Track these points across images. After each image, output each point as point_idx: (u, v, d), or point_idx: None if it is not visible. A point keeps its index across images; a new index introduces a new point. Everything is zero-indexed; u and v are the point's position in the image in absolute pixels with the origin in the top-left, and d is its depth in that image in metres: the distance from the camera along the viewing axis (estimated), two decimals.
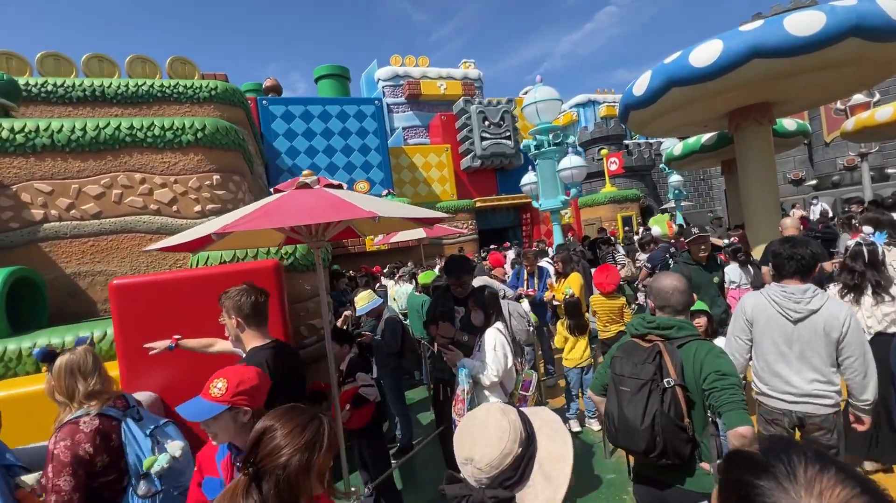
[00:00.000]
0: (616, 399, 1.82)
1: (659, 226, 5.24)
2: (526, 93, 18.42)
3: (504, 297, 4.03)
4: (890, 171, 18.45)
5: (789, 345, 2.24)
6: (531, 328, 3.86)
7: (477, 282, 3.60)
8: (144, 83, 6.15)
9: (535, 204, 7.70)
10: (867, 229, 3.71)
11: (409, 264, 8.90)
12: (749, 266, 5.23)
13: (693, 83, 6.26)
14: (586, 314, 4.57)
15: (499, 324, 2.67)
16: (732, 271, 5.12)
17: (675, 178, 14.51)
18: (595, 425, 4.25)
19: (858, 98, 16.86)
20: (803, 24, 5.40)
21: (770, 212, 7.23)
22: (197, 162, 4.30)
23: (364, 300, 4.05)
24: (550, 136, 7.22)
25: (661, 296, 1.96)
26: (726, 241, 6.16)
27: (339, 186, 2.30)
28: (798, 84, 6.43)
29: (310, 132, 11.74)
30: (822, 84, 6.59)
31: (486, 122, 14.89)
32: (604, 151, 16.36)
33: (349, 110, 12.22)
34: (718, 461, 1.43)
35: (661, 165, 15.68)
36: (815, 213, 13.08)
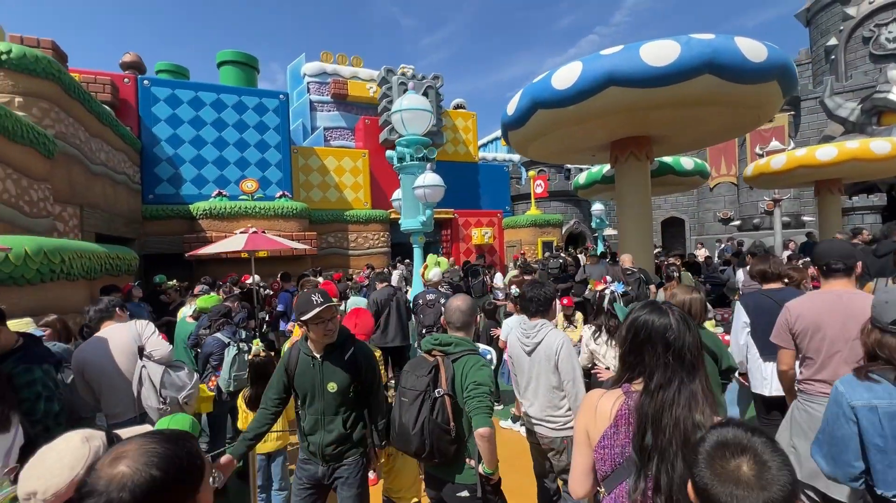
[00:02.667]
0: (398, 407, 2.02)
1: (440, 267, 4.52)
2: (457, 106, 17.94)
3: None
4: (806, 218, 19.16)
5: (525, 373, 2.60)
6: None
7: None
8: None
9: (401, 222, 6.97)
10: (609, 278, 4.11)
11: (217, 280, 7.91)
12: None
13: (556, 106, 5.75)
14: None
15: None
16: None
17: (597, 207, 14.29)
18: None
19: (776, 145, 17.43)
20: (658, 53, 4.96)
21: (643, 246, 6.81)
22: None
23: None
24: (413, 150, 6.51)
25: (447, 314, 2.26)
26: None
27: None
28: (668, 119, 6.04)
29: (198, 121, 10.61)
30: (694, 123, 6.24)
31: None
32: (531, 173, 15.99)
33: (248, 102, 11.19)
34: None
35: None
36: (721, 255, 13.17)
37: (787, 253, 9.70)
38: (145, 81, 10.40)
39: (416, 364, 2.10)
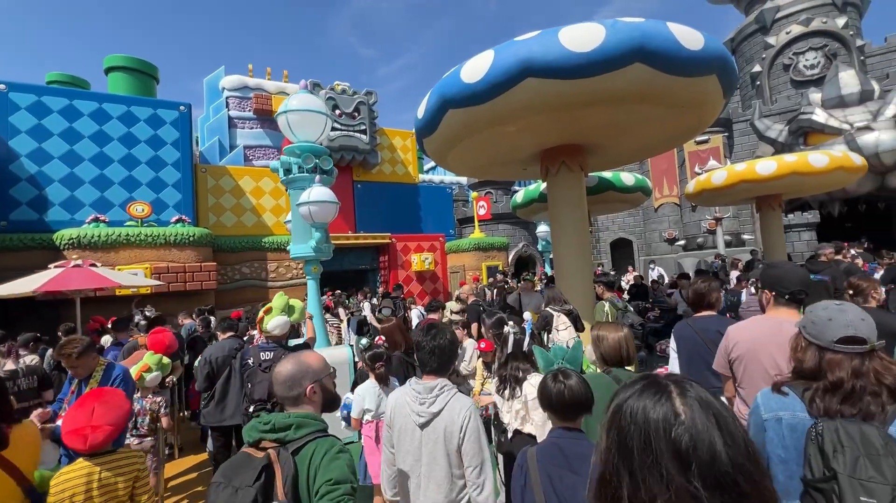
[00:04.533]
0: None
1: (288, 315, 3.11)
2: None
3: None
4: (746, 236, 19.46)
5: (417, 458, 1.92)
6: None
7: None
8: None
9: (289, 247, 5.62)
10: (527, 315, 3.51)
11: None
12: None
13: (467, 104, 4.75)
14: None
15: None
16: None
17: (542, 229, 13.55)
18: None
19: (714, 164, 17.70)
20: (580, 38, 4.07)
21: (580, 268, 5.84)
22: None
23: None
24: (302, 160, 5.28)
25: (273, 386, 1.70)
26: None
27: None
28: (600, 123, 5.19)
29: (73, 133, 8.91)
30: (629, 128, 5.43)
31: (337, 112, 13.39)
32: (474, 194, 15.14)
33: (139, 113, 9.61)
34: None
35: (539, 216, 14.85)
36: (653, 277, 12.86)
37: (735, 273, 9.18)
38: (1, 86, 8.63)
39: (236, 466, 1.43)
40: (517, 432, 2.73)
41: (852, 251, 8.29)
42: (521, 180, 19.69)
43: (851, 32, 18.86)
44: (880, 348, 1.42)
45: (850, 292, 3.37)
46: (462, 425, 1.82)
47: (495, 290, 8.99)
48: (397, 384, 3.32)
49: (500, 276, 10.98)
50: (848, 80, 16.37)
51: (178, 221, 9.50)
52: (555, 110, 4.70)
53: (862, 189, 15.74)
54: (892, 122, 14.93)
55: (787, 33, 19.64)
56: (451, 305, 6.90)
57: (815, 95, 16.96)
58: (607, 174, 8.56)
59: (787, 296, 2.11)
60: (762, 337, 2.05)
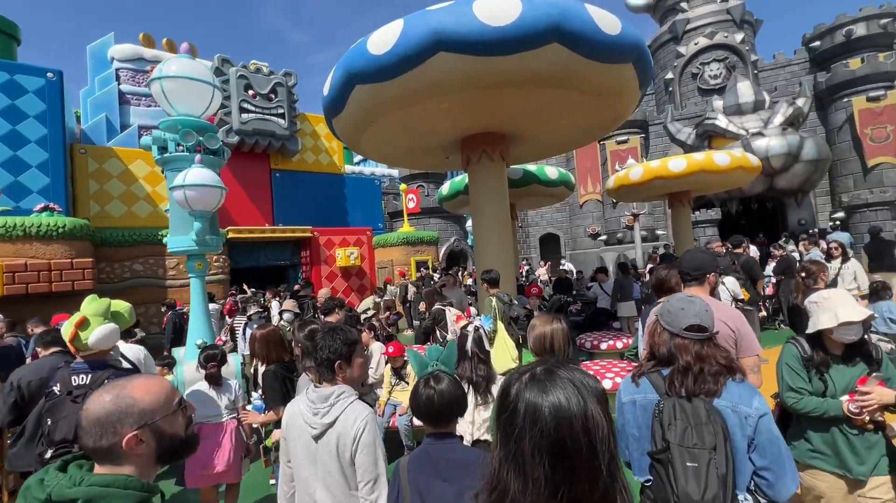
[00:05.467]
0: None
1: (114, 322, 2.50)
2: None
3: None
4: (659, 232, 20.88)
5: (313, 472, 1.77)
6: None
7: None
8: None
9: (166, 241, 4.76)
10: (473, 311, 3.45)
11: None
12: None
13: (376, 79, 4.24)
14: None
15: None
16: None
17: (472, 224, 13.39)
18: None
19: (632, 162, 18.71)
20: (496, 11, 3.73)
21: (502, 259, 5.59)
22: None
23: None
24: (181, 136, 4.45)
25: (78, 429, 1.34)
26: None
27: None
28: (520, 109, 4.93)
29: None
30: (549, 115, 5.24)
31: (251, 92, 12.18)
32: (402, 187, 14.61)
33: None
34: None
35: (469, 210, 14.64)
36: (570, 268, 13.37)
37: (651, 266, 9.57)
38: None
39: None
40: (477, 441, 2.51)
41: (752, 246, 8.96)
42: (454, 172, 19.49)
43: (747, 48, 20.83)
44: (717, 334, 1.67)
45: (803, 274, 3.85)
46: (355, 436, 1.67)
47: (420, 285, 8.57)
48: (233, 384, 3.14)
49: (424, 271, 10.59)
50: (744, 90, 18.01)
51: (44, 209, 7.97)
52: (472, 90, 4.35)
53: (755, 189, 17.44)
54: (780, 129, 16.66)
55: (696, 44, 21.25)
56: (367, 303, 6.40)
57: (718, 103, 18.49)
58: (532, 167, 8.49)
59: (688, 277, 2.46)
60: None
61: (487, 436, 2.42)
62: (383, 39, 4.02)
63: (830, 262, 6.08)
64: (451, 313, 4.19)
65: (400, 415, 3.62)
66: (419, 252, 13.96)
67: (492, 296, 4.11)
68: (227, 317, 7.77)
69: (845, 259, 6.10)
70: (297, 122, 13.53)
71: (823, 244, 7.98)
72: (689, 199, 10.35)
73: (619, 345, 5.85)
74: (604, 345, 5.84)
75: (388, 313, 6.86)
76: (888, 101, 17.55)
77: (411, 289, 10.20)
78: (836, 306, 1.99)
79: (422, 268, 11.53)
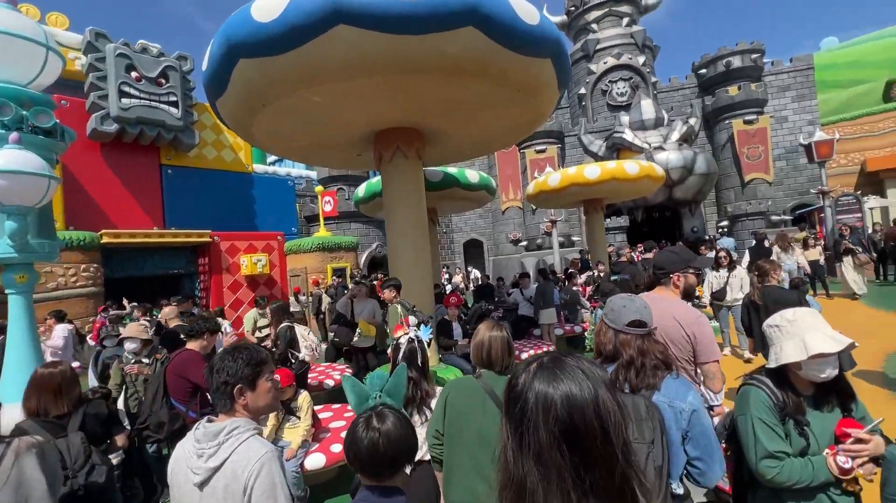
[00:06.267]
0: None
1: None
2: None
3: None
4: (575, 238, 21.93)
5: None
6: None
7: None
8: None
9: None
10: (412, 320, 2.71)
11: None
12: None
13: (263, 53, 3.55)
14: None
15: None
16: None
17: (385, 227, 12.82)
18: None
19: (550, 170, 19.47)
20: None
21: (418, 264, 5.12)
22: None
23: None
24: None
25: None
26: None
27: None
28: (437, 102, 4.51)
29: None
30: (468, 111, 4.88)
31: (134, 75, 10.52)
32: (318, 188, 13.61)
33: None
34: None
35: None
36: (472, 276, 13.71)
37: (571, 271, 9.72)
38: None
39: None
40: (418, 462, 2.26)
41: (649, 253, 9.42)
42: (374, 173, 18.79)
43: (648, 70, 22.77)
44: (656, 330, 1.74)
45: (756, 272, 3.88)
46: (247, 484, 1.33)
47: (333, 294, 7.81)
48: None
49: (337, 280, 9.81)
50: (647, 108, 19.58)
51: None
52: (381, 76, 3.83)
53: (657, 199, 18.98)
54: (676, 145, 18.29)
55: (605, 63, 22.79)
56: (251, 316, 5.58)
57: (625, 118, 19.92)
58: (452, 169, 8.17)
59: (659, 276, 2.36)
60: None
61: (428, 456, 2.20)
62: (270, 4, 3.36)
63: (718, 271, 6.32)
64: (301, 330, 3.80)
65: (287, 460, 2.96)
66: (337, 258, 13.06)
67: (395, 304, 3.74)
68: (91, 340, 6.39)
69: (732, 268, 6.22)
70: (194, 112, 12.00)
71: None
72: (602, 207, 10.76)
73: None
74: (524, 355, 5.59)
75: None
76: (759, 125, 20.13)
77: (325, 300, 9.35)
78: (803, 331, 1.53)
79: (336, 276, 10.70)
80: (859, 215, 13.11)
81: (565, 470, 0.71)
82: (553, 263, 16.22)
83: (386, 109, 4.60)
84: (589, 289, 8.38)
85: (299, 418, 3.20)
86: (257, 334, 6.45)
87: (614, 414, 0.73)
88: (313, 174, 22.08)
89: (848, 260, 6.54)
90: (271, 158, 27.04)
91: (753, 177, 20.02)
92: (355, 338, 5.67)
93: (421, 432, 2.23)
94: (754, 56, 21.40)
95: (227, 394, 1.41)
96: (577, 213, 20.92)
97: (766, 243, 9.51)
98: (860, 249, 7.51)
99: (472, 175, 8.29)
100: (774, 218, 19.06)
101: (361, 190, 8.58)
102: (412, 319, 3.02)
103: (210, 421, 1.41)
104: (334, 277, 10.86)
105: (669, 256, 2.35)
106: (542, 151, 21.72)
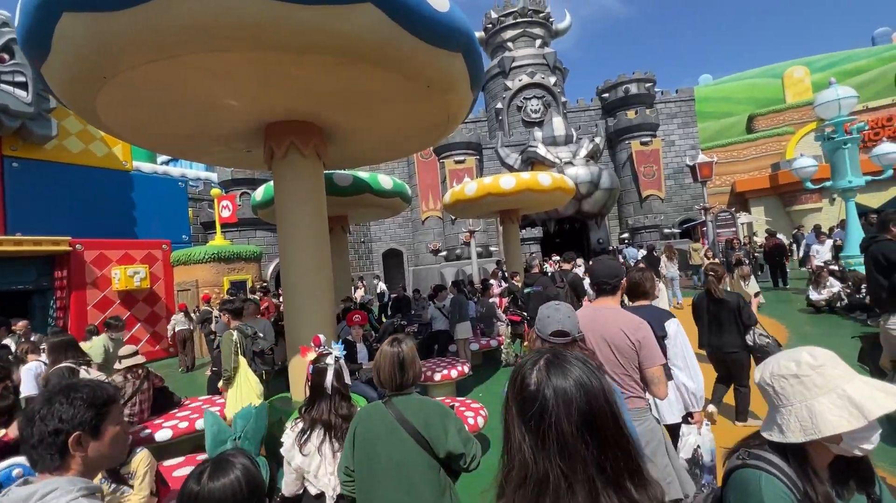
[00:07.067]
0: None
1: None
2: None
3: None
4: (492, 248, 22.29)
5: None
6: None
7: None
8: None
9: None
10: (322, 338, 2.51)
11: None
12: None
13: (94, 6, 2.73)
14: None
15: None
16: None
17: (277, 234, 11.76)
18: None
19: (468, 180, 19.62)
20: None
21: (318, 281, 4.45)
22: None
23: None
24: None
25: None
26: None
27: None
28: (333, 91, 3.94)
29: None
30: (371, 104, 4.37)
31: None
32: (214, 191, 12.10)
33: None
34: None
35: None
36: (378, 289, 14.24)
37: (494, 282, 9.57)
38: None
39: None
40: (341, 497, 2.05)
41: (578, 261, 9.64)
42: None
43: (559, 90, 24.15)
44: (580, 339, 1.87)
45: (711, 273, 4.15)
46: None
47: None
48: None
49: (221, 297, 8.63)
50: (558, 125, 20.64)
51: None
52: (261, 51, 3.18)
53: (568, 212, 19.99)
54: (584, 161, 19.45)
55: (520, 80, 23.73)
56: (99, 343, 4.52)
57: (538, 133, 20.79)
58: (364, 174, 7.58)
59: (595, 286, 2.40)
60: (584, 323, 2.13)
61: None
62: None
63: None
64: (91, 374, 3.18)
65: None
66: (236, 270, 11.66)
67: (232, 330, 3.31)
68: None
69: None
70: (50, 97, 10.01)
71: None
72: (518, 217, 10.84)
73: (455, 373, 5.23)
74: (437, 376, 5.14)
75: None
76: (653, 146, 22.23)
77: (217, 319, 8.12)
78: (837, 381, 1.04)
79: (229, 292, 9.47)
80: (734, 229, 14.83)
81: (589, 458, 0.75)
82: (472, 274, 16.18)
83: (271, 97, 3.92)
84: (505, 300, 8.25)
85: (131, 487, 2.40)
86: (118, 365, 5.25)
87: (614, 394, 0.81)
88: (214, 176, 19.95)
89: (737, 271, 7.13)
90: (164, 157, 24.05)
91: (649, 193, 21.99)
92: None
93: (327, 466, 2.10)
94: (647, 85, 23.71)
95: (57, 446, 1.13)
96: (494, 223, 21.31)
97: (655, 253, 10.27)
98: (746, 261, 8.27)
99: (386, 181, 7.77)
100: (666, 230, 21.04)
101: (260, 193, 7.62)
102: (322, 337, 2.65)
103: (26, 482, 1.11)
104: (229, 292, 9.58)
105: (610, 268, 2.36)
106: (462, 162, 21.90)
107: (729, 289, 5.44)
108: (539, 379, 0.79)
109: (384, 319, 8.40)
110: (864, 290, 7.75)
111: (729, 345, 3.97)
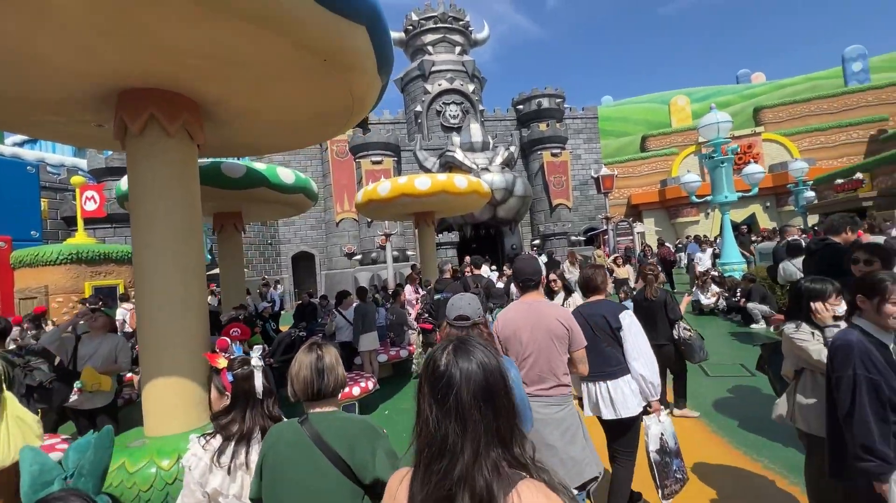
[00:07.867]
0: None
1: None
2: None
3: None
4: (409, 252, 21.87)
5: None
6: None
7: None
8: None
9: None
10: (228, 340, 2.43)
11: None
12: None
13: None
14: None
15: None
16: None
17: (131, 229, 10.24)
18: None
19: (384, 180, 19.05)
20: None
21: (186, 290, 3.63)
22: None
23: None
24: None
25: None
26: None
27: None
28: (199, 50, 3.20)
29: None
30: (258, 79, 3.69)
31: None
32: (76, 180, 10.03)
33: None
34: None
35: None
36: (274, 296, 13.79)
37: (409, 288, 9.10)
38: None
39: None
40: None
41: (485, 267, 9.54)
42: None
43: (477, 98, 24.58)
44: (482, 323, 2.18)
45: (650, 274, 4.52)
46: None
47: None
48: None
49: (85, 306, 7.14)
50: (475, 131, 20.90)
51: None
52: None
53: (483, 217, 20.27)
54: (500, 168, 19.89)
55: (439, 85, 23.72)
56: None
57: (456, 139, 20.87)
58: (260, 165, 6.68)
59: (521, 284, 2.65)
60: (519, 317, 2.52)
61: None
62: None
63: (553, 299, 5.73)
64: None
65: None
66: (102, 274, 9.79)
67: None
68: None
69: (568, 293, 5.65)
70: None
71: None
72: (433, 220, 10.54)
73: (357, 390, 4.66)
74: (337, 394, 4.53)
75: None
76: (562, 158, 23.52)
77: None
78: None
79: (89, 300, 7.88)
80: (632, 237, 16.08)
81: (479, 422, 0.90)
82: (387, 278, 15.56)
83: (116, 53, 3.07)
84: (418, 306, 7.83)
85: None
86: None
87: (506, 372, 0.99)
88: (83, 163, 16.95)
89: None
90: (16, 138, 19.98)
91: (559, 202, 23.20)
92: (74, 397, 3.75)
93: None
94: (558, 101, 25.13)
95: None
96: (411, 226, 20.93)
97: (555, 257, 10.69)
98: (660, 268, 8.76)
99: (286, 174, 6.94)
100: (573, 238, 22.33)
101: (124, 182, 6.35)
102: (228, 340, 2.33)
103: None
104: (89, 300, 7.96)
105: (533, 267, 2.60)
106: (379, 163, 21.23)
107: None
108: (448, 361, 0.95)
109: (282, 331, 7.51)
110: (738, 294, 8.64)
111: (659, 338, 4.22)
